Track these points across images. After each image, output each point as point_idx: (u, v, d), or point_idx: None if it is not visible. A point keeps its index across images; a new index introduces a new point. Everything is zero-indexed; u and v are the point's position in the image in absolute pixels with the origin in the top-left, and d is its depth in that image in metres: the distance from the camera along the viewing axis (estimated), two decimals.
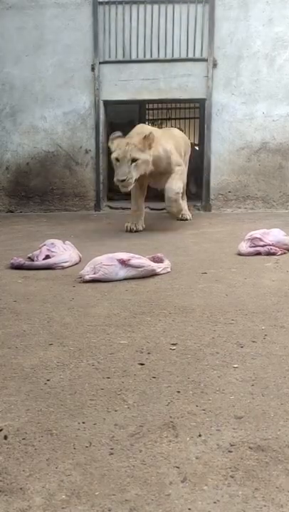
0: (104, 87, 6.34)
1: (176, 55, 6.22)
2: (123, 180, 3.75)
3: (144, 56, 6.25)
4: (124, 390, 1.28)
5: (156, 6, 6.16)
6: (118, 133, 4.11)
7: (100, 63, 6.27)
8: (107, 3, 6.20)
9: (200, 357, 1.50)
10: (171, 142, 4.38)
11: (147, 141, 3.87)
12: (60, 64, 6.39)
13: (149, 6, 6.17)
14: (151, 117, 10.05)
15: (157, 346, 1.59)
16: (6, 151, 6.60)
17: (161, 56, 6.23)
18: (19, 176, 6.61)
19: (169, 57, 6.22)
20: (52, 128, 6.48)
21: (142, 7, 6.17)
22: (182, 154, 4.66)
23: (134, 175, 3.85)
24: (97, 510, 0.83)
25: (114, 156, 3.84)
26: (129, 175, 3.78)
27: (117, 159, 3.82)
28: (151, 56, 6.24)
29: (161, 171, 4.20)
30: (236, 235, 3.85)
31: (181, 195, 4.45)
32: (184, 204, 4.86)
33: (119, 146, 3.83)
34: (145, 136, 3.86)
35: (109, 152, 4.05)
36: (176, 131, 5.06)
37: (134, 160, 3.80)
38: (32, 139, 6.54)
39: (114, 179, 3.83)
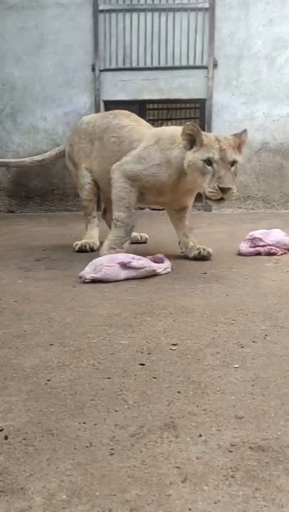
0: (105, 87, 6.35)
1: (176, 62, 6.23)
2: (229, 189, 2.60)
3: (145, 63, 6.26)
4: (125, 390, 1.28)
5: (156, 13, 6.17)
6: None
7: (101, 71, 6.29)
8: (107, 11, 6.20)
9: (200, 357, 1.50)
10: None
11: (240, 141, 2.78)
12: (60, 64, 6.40)
13: (149, 14, 6.18)
14: (151, 117, 10.06)
15: (158, 346, 1.59)
16: (7, 151, 6.60)
17: (162, 63, 6.24)
18: (20, 176, 6.62)
19: (169, 64, 6.23)
20: (52, 128, 6.49)
21: (142, 14, 6.18)
22: None
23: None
24: (97, 511, 0.83)
25: (209, 155, 2.62)
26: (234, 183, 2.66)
27: (214, 160, 2.62)
28: (152, 63, 6.25)
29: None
30: (236, 235, 3.85)
31: None
32: None
33: (210, 142, 2.65)
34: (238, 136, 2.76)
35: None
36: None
37: (234, 163, 2.68)
38: (32, 139, 6.55)
39: (211, 187, 2.60)
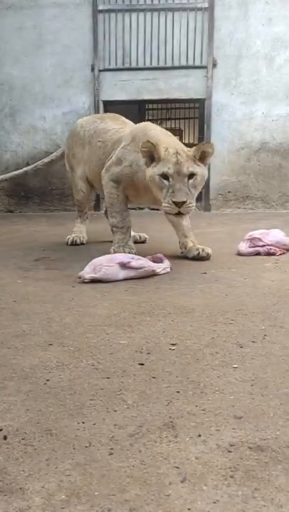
0: (104, 87, 6.35)
1: (175, 61, 6.22)
2: (183, 203, 2.59)
3: (144, 63, 6.26)
4: (124, 390, 1.28)
5: (155, 13, 6.17)
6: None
7: (100, 71, 6.29)
8: (106, 11, 6.20)
9: (199, 357, 1.50)
10: None
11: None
12: (59, 64, 6.39)
13: (148, 14, 6.18)
14: (151, 117, 10.06)
15: (157, 346, 1.59)
16: (6, 151, 6.60)
17: (161, 63, 6.24)
18: (19, 176, 6.61)
19: (169, 63, 6.23)
20: (51, 128, 6.48)
21: (141, 14, 6.18)
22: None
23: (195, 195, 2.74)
24: (96, 511, 0.83)
25: (164, 170, 2.62)
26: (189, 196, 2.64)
27: (169, 174, 2.62)
28: (151, 63, 6.25)
29: None
30: (236, 235, 3.85)
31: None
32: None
33: (167, 156, 2.64)
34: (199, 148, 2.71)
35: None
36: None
37: (191, 175, 2.66)
38: (31, 139, 6.54)
39: (166, 202, 2.62)
